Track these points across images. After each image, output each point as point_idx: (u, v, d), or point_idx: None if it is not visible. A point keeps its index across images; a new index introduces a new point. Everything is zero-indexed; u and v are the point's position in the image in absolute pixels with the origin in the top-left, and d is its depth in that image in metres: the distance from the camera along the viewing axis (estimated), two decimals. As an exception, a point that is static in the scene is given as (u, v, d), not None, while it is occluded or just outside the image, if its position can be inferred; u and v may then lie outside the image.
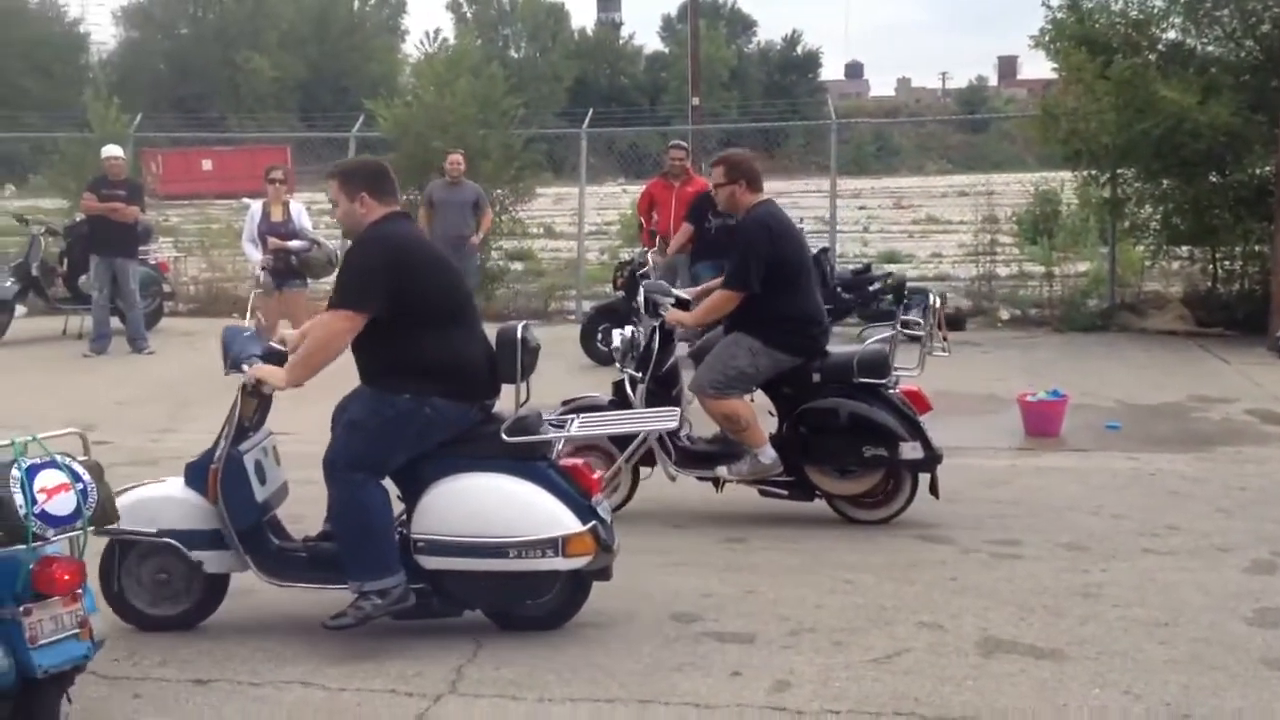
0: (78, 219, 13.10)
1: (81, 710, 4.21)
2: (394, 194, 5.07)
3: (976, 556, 6.09)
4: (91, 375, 11.45)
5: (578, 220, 15.81)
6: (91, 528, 3.81)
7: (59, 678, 3.80)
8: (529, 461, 4.94)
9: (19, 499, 3.61)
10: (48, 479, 3.71)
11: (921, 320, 7.30)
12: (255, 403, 5.04)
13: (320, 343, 4.87)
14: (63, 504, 3.72)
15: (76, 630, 3.78)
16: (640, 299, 6.99)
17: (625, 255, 12.23)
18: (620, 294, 11.83)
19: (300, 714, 4.36)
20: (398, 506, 4.98)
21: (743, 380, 6.53)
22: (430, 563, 4.85)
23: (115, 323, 12.64)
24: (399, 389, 4.83)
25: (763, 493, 6.77)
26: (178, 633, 4.99)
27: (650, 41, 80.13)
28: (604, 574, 5.04)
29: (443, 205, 12.72)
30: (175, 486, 5.06)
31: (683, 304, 6.98)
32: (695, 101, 23.37)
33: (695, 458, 6.76)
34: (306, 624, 5.00)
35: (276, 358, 5.04)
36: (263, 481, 5.04)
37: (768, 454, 6.52)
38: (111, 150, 12.70)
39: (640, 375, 6.77)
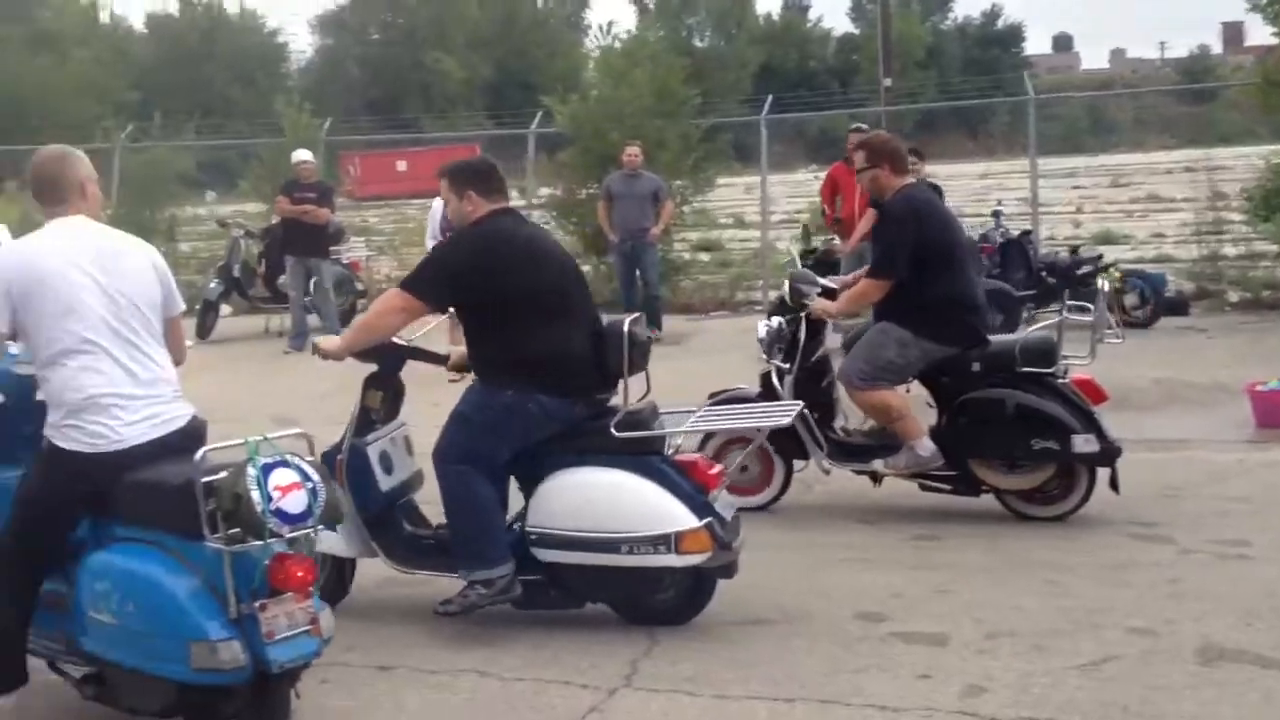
0: (273, 221, 13.50)
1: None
2: (500, 191, 5.13)
3: (1198, 557, 5.71)
4: (292, 371, 11.77)
5: (761, 209, 15.59)
6: (321, 526, 3.86)
7: (291, 673, 3.84)
8: (642, 456, 4.90)
9: (256, 496, 3.65)
10: (281, 477, 3.75)
11: (1092, 305, 6.85)
12: (380, 395, 5.18)
13: (374, 314, 5.06)
14: (296, 502, 3.75)
15: (308, 627, 3.81)
16: (785, 288, 6.83)
17: (811, 244, 11.89)
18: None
19: (476, 702, 4.37)
20: (518, 499, 5.02)
21: (891, 371, 6.30)
22: (545, 555, 4.88)
23: (313, 320, 13.00)
24: (503, 385, 4.88)
25: (923, 487, 6.52)
26: (362, 620, 5.04)
27: (840, 24, 78.74)
28: (726, 571, 4.93)
29: (622, 198, 12.66)
30: None
31: (830, 293, 6.76)
32: (888, 82, 22.84)
33: (850, 451, 6.59)
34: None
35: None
36: (389, 471, 5.14)
37: (926, 446, 6.28)
38: (301, 155, 13.07)
39: (788, 366, 6.60)
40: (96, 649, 3.87)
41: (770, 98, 15.86)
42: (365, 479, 5.06)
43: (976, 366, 6.27)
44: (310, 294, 12.83)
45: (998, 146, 25.72)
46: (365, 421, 5.16)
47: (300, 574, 3.78)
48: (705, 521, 4.78)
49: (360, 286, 14.49)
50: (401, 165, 39.86)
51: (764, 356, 6.70)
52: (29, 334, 3.89)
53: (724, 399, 6.53)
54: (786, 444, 6.52)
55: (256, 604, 3.73)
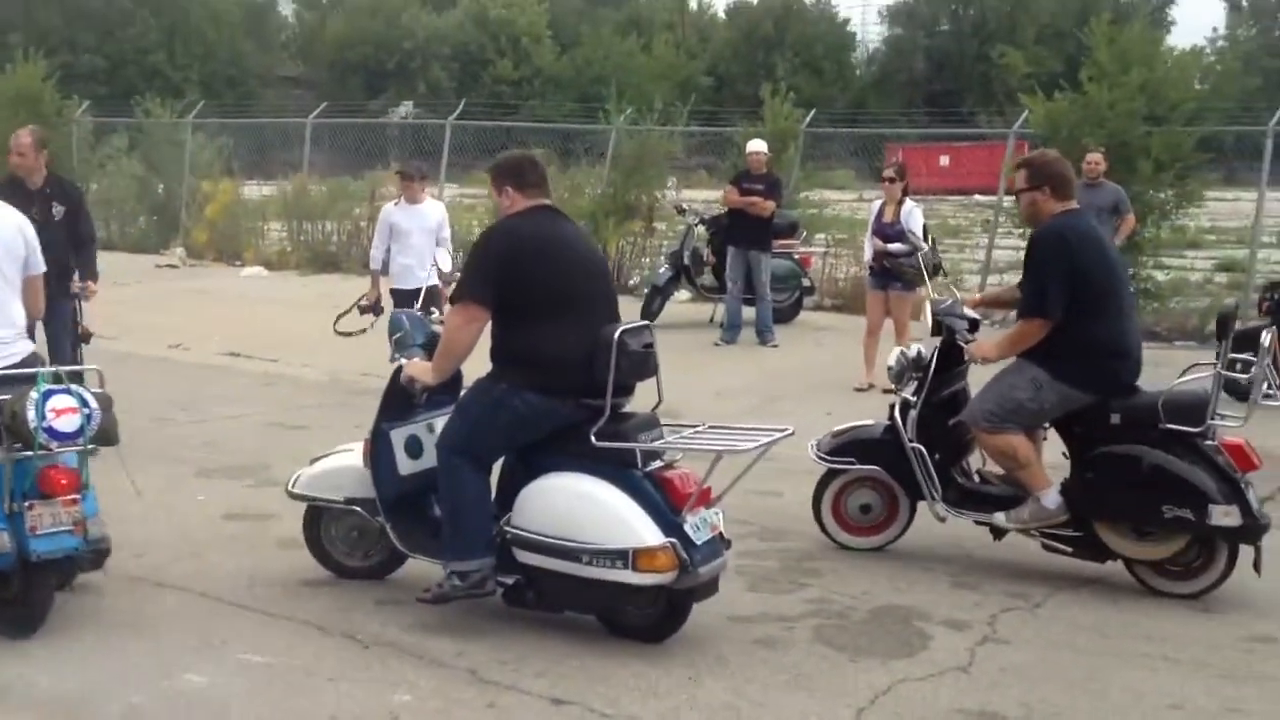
0: (721, 211, 13.63)
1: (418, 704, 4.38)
2: (537, 186, 5.11)
3: None
4: (713, 363, 11.84)
5: (1254, 226, 13.73)
6: (93, 445, 4.81)
7: (52, 564, 4.79)
8: (622, 469, 4.84)
9: (31, 415, 4.61)
10: (59, 402, 4.68)
11: (1255, 358, 5.74)
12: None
13: (447, 338, 5.08)
14: (68, 423, 4.69)
15: (71, 527, 4.75)
16: (927, 319, 6.24)
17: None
18: (1267, 320, 10.10)
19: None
20: None
21: (1022, 414, 5.71)
22: (521, 556, 4.95)
23: (749, 313, 13.01)
24: (498, 378, 4.97)
25: (1046, 547, 5.88)
26: (537, 646, 4.93)
27: None
28: (696, 594, 4.89)
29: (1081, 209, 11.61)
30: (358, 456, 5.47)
31: (974, 325, 6.13)
32: None
33: (974, 498, 6.05)
34: (694, 645, 4.80)
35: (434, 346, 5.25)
36: (415, 456, 5.27)
37: (1052, 498, 5.70)
38: (755, 145, 13.06)
39: (914, 400, 6.06)
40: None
41: (1288, 105, 13.88)
42: (385, 462, 5.24)
43: (1116, 418, 5.62)
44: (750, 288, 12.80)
45: None
46: (403, 404, 5.27)
47: (64, 482, 4.71)
48: (668, 541, 4.70)
49: (807, 283, 14.32)
50: (944, 160, 39.25)
51: (893, 386, 6.25)
52: None
53: (845, 435, 6.33)
54: (912, 483, 6.07)
55: (26, 503, 4.67)
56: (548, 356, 4.85)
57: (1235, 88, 18.00)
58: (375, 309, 9.97)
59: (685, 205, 14.88)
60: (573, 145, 20.52)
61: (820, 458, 6.29)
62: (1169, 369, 11.49)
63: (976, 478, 6.21)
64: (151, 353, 11.98)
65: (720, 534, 4.99)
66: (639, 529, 4.72)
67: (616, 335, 4.84)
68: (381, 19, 56.22)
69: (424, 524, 5.26)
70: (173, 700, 4.45)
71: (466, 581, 4.93)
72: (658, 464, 4.94)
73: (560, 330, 4.87)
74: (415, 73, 55.24)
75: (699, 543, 4.79)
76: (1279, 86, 40.60)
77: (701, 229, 14.05)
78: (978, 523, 6.04)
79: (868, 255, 10.96)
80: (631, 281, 16.39)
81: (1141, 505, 5.53)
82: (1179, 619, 5.39)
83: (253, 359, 11.90)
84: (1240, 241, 15.64)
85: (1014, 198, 6.53)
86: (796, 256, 14.20)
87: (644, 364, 5.01)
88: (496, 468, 5.13)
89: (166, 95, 24.94)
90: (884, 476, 6.14)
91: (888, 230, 10.66)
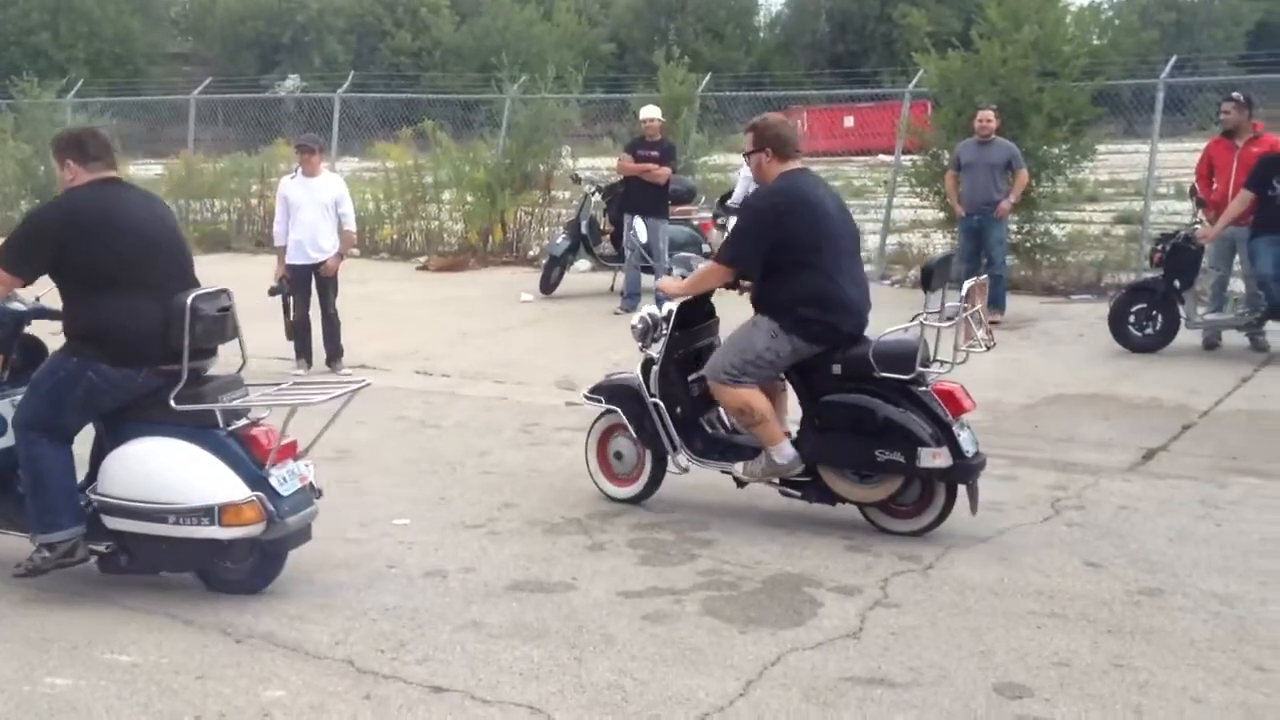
0: (616, 179, 13.48)
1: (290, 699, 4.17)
2: (100, 159, 5.14)
3: None
4: (612, 332, 11.65)
5: (1146, 181, 13.87)
6: None
7: None
8: (205, 429, 4.99)
9: None
10: None
11: (961, 304, 6.04)
12: (2, 358, 5.36)
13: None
14: None
15: None
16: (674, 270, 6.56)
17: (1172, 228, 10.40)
18: (1158, 272, 10.24)
19: None
20: None
21: (760, 365, 5.90)
22: (111, 523, 5.04)
23: (648, 281, 12.86)
24: (70, 352, 5.02)
25: (783, 493, 6.12)
26: (417, 633, 4.79)
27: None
28: (287, 543, 5.09)
29: (971, 167, 11.68)
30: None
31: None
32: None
33: (720, 448, 6.23)
34: (581, 625, 4.55)
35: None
36: None
37: (784, 453, 5.92)
38: (649, 111, 12.92)
39: (653, 356, 6.26)
40: None
41: (1174, 58, 14.00)
42: None
43: (837, 369, 5.86)
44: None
45: None
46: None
47: None
48: (253, 495, 4.88)
49: (707, 249, 14.19)
50: (849, 121, 39.36)
51: (639, 346, 6.39)
52: None
53: (609, 379, 6.59)
54: (654, 436, 6.27)
55: None
56: (118, 327, 4.94)
57: (1133, 42, 18.11)
58: (283, 287, 9.80)
59: (581, 174, 14.70)
60: (472, 115, 20.21)
61: (585, 396, 6.66)
62: (1060, 322, 11.71)
63: (723, 428, 6.34)
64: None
65: (310, 484, 5.20)
66: (223, 485, 4.89)
67: (189, 301, 4.94)
68: (274, -8, 55.03)
69: (8, 500, 5.26)
70: (34, 705, 4.23)
71: (56, 552, 5.02)
72: (242, 423, 5.12)
73: (128, 301, 4.96)
74: (309, 46, 54.14)
75: (286, 494, 5.00)
76: (1175, 39, 41.33)
77: (598, 198, 13.88)
78: (723, 472, 6.21)
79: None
80: (531, 252, 16.19)
81: (857, 450, 5.76)
82: (1067, 575, 5.37)
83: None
84: (1138, 194, 15.85)
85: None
86: (696, 223, 14.10)
87: (220, 327, 5.14)
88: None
89: (51, 75, 24.12)
90: (624, 421, 6.34)
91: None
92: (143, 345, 4.96)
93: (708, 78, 17.28)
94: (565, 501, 6.49)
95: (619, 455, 6.51)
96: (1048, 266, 13.43)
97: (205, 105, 21.25)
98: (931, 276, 6.00)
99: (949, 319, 5.94)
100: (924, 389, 5.78)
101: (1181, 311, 10.11)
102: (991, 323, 11.44)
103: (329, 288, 10.00)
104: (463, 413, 8.66)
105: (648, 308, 6.49)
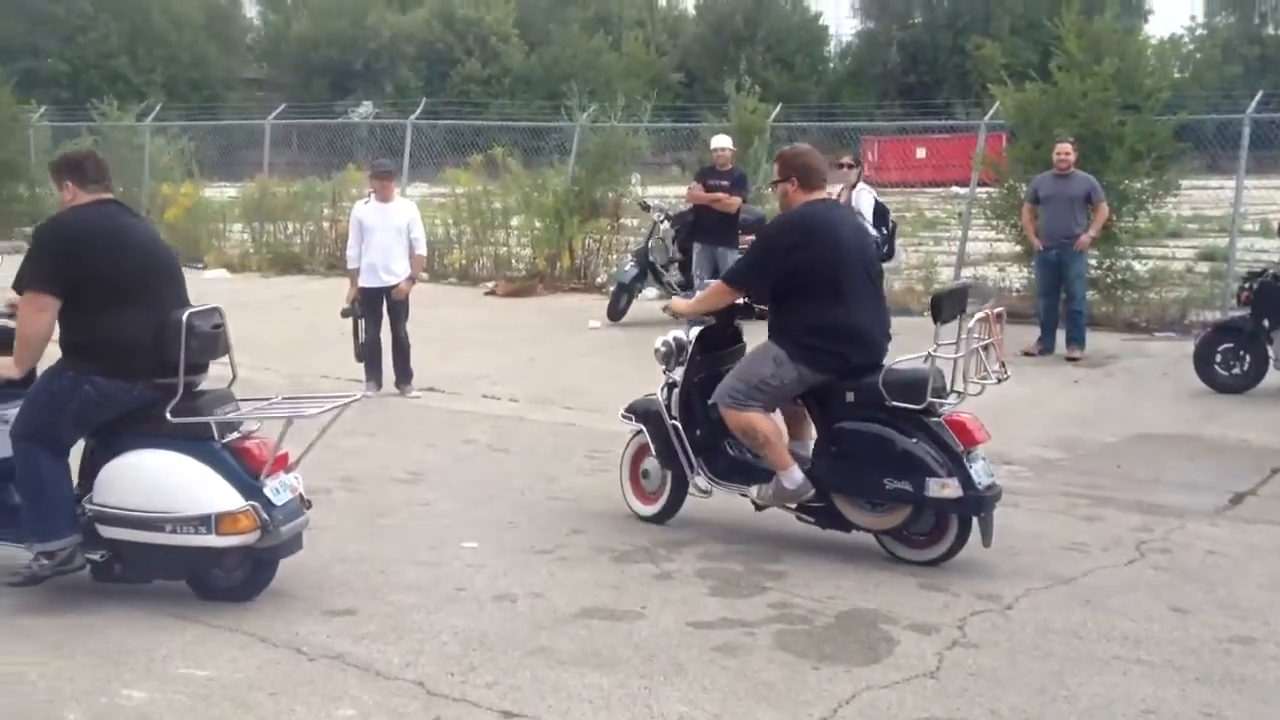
0: (685, 207, 13.44)
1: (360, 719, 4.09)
2: (99, 181, 5.30)
3: None
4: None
5: (1232, 217, 13.58)
6: None
7: None
8: (199, 441, 5.11)
9: None
10: None
11: (969, 336, 5.93)
12: None
13: (22, 329, 5.18)
14: None
15: None
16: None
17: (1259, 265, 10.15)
18: (1245, 311, 10.01)
19: None
20: None
21: (765, 391, 5.94)
22: (105, 532, 5.14)
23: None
24: (65, 366, 5.13)
25: (799, 518, 6.12)
26: (488, 656, 4.73)
27: None
28: (281, 551, 5.20)
29: (1050, 200, 11.54)
30: None
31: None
32: None
33: (741, 470, 6.22)
34: (651, 654, 4.47)
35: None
36: None
37: (793, 478, 5.93)
38: (720, 141, 12.90)
39: (674, 380, 6.34)
40: None
41: (1261, 93, 13.73)
42: None
43: (850, 396, 5.86)
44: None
45: None
46: None
47: None
48: (248, 505, 5.01)
49: (776, 278, 14.12)
50: (921, 152, 39.10)
51: (662, 369, 6.47)
52: None
53: (637, 404, 6.61)
54: (673, 457, 6.37)
55: None
56: (114, 342, 5.08)
57: (1215, 76, 17.79)
58: (355, 309, 9.88)
59: (651, 202, 14.68)
60: (541, 143, 20.28)
61: (621, 415, 6.73)
62: (1142, 360, 11.47)
63: (748, 453, 6.25)
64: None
65: (300, 495, 5.32)
66: (219, 494, 5.02)
67: (185, 317, 5.09)
68: (346, 19, 55.75)
69: (5, 511, 5.31)
70: (110, 716, 4.23)
71: (54, 560, 5.10)
72: (235, 435, 5.24)
73: (126, 316, 5.09)
74: (381, 73, 54.80)
75: (279, 504, 5.13)
76: (1260, 74, 40.65)
77: (667, 226, 13.85)
78: (742, 495, 6.22)
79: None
80: (598, 279, 16.17)
81: (867, 478, 5.77)
82: (1154, 620, 5.21)
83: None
84: (1222, 230, 15.59)
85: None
86: (764, 251, 13.99)
87: (214, 344, 5.29)
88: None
89: (129, 99, 24.57)
90: (648, 440, 6.44)
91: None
92: (139, 359, 5.11)
93: (778, 108, 17.21)
94: (633, 529, 6.43)
95: (646, 474, 6.60)
96: (1129, 303, 13.18)
97: (280, 130, 21.53)
98: (942, 307, 5.93)
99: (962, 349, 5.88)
100: (936, 419, 5.76)
101: (1270, 351, 9.85)
102: (1070, 359, 11.31)
103: (400, 311, 10.04)
104: (531, 438, 8.64)
105: (674, 331, 6.53)
